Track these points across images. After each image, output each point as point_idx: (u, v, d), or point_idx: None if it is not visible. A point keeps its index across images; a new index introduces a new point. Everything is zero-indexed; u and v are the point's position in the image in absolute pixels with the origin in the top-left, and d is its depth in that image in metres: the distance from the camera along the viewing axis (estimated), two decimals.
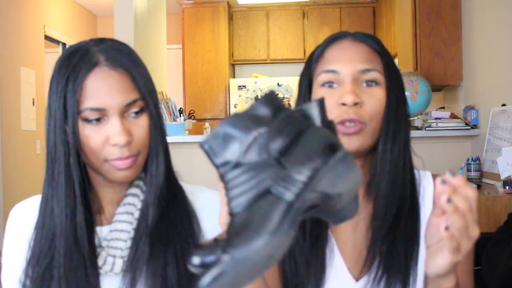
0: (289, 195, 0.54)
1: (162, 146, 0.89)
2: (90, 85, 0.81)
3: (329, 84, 0.89)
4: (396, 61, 4.57)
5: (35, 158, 4.96)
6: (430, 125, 3.07)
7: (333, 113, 0.87)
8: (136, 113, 0.85)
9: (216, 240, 0.52)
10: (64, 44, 5.80)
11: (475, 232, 0.67)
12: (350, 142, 0.87)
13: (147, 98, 0.86)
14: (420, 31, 3.43)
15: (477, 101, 3.14)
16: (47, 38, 5.29)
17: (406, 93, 3.34)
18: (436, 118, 3.09)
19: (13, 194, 4.41)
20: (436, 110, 3.50)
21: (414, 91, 3.03)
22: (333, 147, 0.59)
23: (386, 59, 0.91)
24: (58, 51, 5.82)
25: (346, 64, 0.88)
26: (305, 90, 0.93)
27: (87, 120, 0.82)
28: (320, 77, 0.90)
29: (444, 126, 3.06)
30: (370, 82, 0.88)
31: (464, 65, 3.36)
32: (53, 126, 0.83)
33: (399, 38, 4.10)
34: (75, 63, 0.82)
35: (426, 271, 0.72)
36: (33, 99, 4.93)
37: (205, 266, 0.50)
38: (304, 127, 0.58)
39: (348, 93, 0.85)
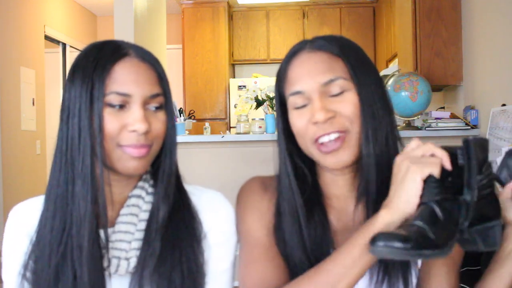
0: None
1: (175, 144, 0.92)
2: (119, 71, 0.84)
3: (300, 106, 0.89)
4: (396, 61, 4.57)
5: (35, 158, 4.96)
6: (430, 125, 3.07)
7: (309, 132, 0.87)
8: (156, 108, 0.88)
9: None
10: (64, 44, 5.80)
11: None
12: (337, 160, 0.86)
13: (167, 96, 0.90)
14: (420, 31, 3.43)
15: (477, 101, 3.14)
16: (47, 38, 5.29)
17: (406, 93, 3.29)
18: (436, 118, 3.09)
19: (13, 194, 4.41)
20: (436, 110, 3.50)
21: (414, 91, 3.03)
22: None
23: (348, 59, 0.88)
24: (58, 51, 5.82)
25: (307, 80, 0.87)
26: (279, 110, 0.94)
27: (109, 105, 0.83)
28: (290, 100, 0.90)
29: (444, 126, 3.06)
30: (338, 92, 0.87)
31: (464, 65, 3.35)
32: (78, 110, 0.82)
33: (399, 38, 4.10)
34: (105, 52, 0.85)
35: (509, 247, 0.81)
36: (33, 99, 4.93)
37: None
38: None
39: (318, 111, 0.85)
